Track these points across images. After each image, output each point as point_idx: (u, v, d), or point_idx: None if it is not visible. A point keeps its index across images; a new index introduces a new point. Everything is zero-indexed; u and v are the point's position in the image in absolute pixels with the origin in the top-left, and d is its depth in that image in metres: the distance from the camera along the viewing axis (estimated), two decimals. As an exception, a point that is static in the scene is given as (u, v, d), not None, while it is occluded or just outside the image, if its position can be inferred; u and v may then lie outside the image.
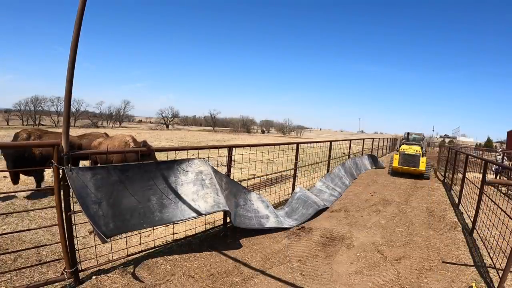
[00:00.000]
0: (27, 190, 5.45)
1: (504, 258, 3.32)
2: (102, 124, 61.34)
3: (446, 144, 33.64)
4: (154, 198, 3.25)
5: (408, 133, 12.73)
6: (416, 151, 10.60)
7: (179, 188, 3.49)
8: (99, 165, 4.70)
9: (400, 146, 11.31)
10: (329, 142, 8.41)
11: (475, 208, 4.83)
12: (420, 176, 10.71)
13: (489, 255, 3.77)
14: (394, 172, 11.02)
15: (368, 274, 3.39)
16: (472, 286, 3.12)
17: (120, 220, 2.91)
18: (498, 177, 10.51)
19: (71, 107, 2.74)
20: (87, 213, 2.62)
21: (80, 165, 5.40)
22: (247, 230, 4.33)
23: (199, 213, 3.44)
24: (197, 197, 3.53)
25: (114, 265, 3.17)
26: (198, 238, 4.06)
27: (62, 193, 2.67)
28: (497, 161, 10.23)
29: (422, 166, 10.50)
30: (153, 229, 3.63)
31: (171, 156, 3.97)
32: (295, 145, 6.38)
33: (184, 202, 3.44)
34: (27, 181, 7.00)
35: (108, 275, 2.98)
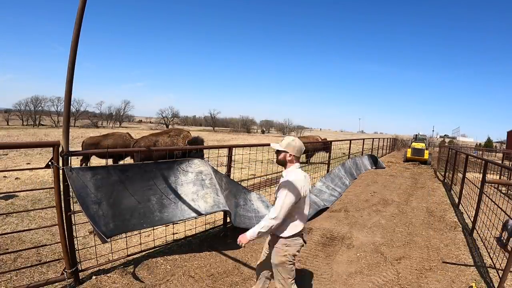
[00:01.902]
0: (27, 190, 5.45)
1: (504, 258, 3.32)
2: (102, 124, 61.32)
3: (446, 144, 33.62)
4: (154, 198, 3.25)
5: (416, 135, 18.90)
6: (422, 146, 16.16)
7: (179, 188, 3.49)
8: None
9: (411, 143, 17.26)
10: (329, 142, 8.41)
11: (475, 208, 4.83)
12: (424, 162, 15.70)
13: (489, 255, 3.77)
14: (406, 160, 16.01)
15: (368, 274, 3.38)
16: (472, 286, 3.12)
17: (120, 220, 2.91)
18: (498, 177, 10.51)
19: (71, 107, 2.74)
20: (87, 213, 2.62)
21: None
22: (247, 230, 4.32)
23: (199, 213, 3.44)
24: (197, 197, 3.53)
25: (114, 265, 3.17)
26: (198, 238, 4.05)
27: (62, 193, 2.67)
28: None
29: (426, 156, 15.75)
30: (153, 229, 3.63)
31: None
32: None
33: (184, 202, 3.44)
34: (27, 181, 7.01)
35: (108, 275, 2.98)
